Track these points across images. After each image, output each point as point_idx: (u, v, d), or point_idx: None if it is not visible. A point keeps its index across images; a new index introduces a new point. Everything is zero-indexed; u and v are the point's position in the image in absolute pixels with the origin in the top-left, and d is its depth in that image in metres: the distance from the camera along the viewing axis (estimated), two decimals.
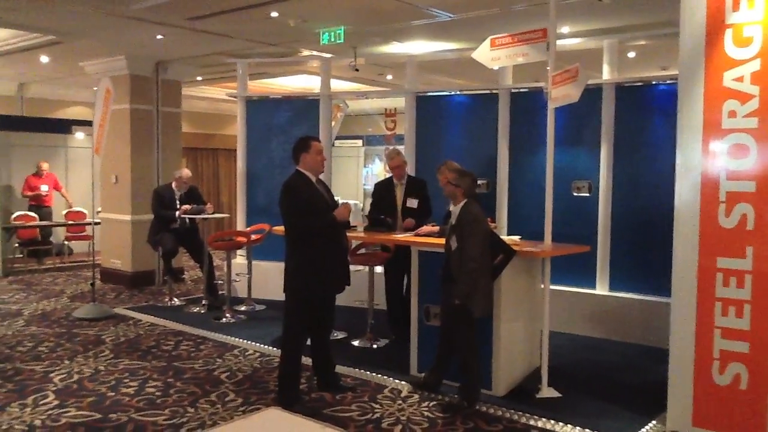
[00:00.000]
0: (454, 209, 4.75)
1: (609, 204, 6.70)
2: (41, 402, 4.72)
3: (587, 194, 6.80)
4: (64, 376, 5.32)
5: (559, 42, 5.53)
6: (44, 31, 7.79)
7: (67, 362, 5.68)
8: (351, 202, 5.01)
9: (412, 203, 6.25)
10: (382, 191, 6.58)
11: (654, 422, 4.42)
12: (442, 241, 5.01)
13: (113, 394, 4.91)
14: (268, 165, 8.35)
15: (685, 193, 4.14)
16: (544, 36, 5.06)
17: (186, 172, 8.19)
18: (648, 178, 6.53)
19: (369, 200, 14.05)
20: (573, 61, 4.94)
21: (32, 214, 10.90)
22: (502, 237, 5.23)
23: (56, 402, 4.73)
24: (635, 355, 6.08)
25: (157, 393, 4.92)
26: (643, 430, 4.32)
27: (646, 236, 6.47)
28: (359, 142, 15.29)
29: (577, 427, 4.33)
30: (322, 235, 4.57)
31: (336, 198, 5.00)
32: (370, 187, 14.85)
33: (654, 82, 6.71)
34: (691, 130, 4.11)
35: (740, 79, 3.93)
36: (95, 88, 8.32)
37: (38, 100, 12.23)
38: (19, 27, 7.68)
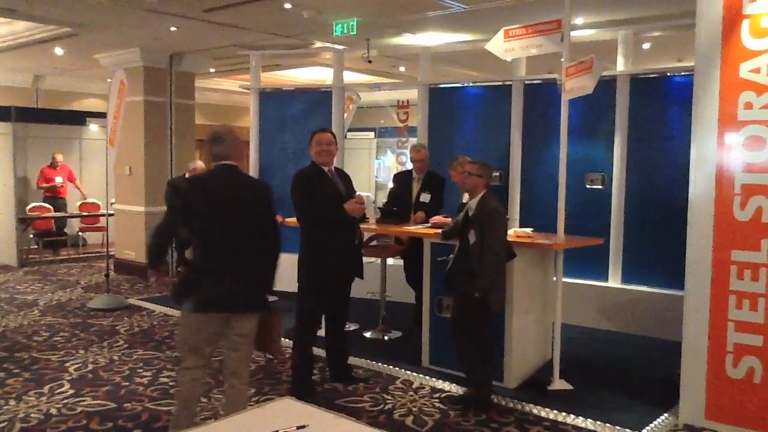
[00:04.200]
0: (471, 202, 4.59)
1: (622, 196, 6.66)
2: (57, 391, 4.78)
3: (600, 186, 6.76)
4: (80, 365, 5.38)
5: (573, 33, 5.50)
6: (60, 23, 7.82)
7: (82, 352, 5.74)
8: (363, 194, 4.98)
9: (425, 198, 6.25)
10: (400, 182, 6.60)
11: (666, 415, 4.40)
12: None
13: (128, 383, 4.97)
14: (281, 157, 8.36)
15: (700, 185, 4.11)
16: (558, 27, 5.02)
17: (200, 164, 8.19)
18: (662, 170, 6.48)
19: (381, 192, 14.10)
20: (587, 52, 4.91)
21: (47, 205, 10.98)
22: (515, 229, 5.22)
23: (72, 391, 4.79)
24: (648, 347, 6.06)
25: (170, 383, 4.96)
26: (655, 423, 4.30)
27: (660, 229, 6.43)
28: (371, 134, 15.26)
29: (589, 420, 4.32)
30: (330, 225, 4.58)
31: None
32: (382, 179, 14.87)
33: (669, 74, 6.66)
34: (707, 122, 4.07)
35: (757, 71, 3.89)
36: (109, 80, 8.38)
37: (53, 92, 12.32)
38: (35, 19, 7.71)
